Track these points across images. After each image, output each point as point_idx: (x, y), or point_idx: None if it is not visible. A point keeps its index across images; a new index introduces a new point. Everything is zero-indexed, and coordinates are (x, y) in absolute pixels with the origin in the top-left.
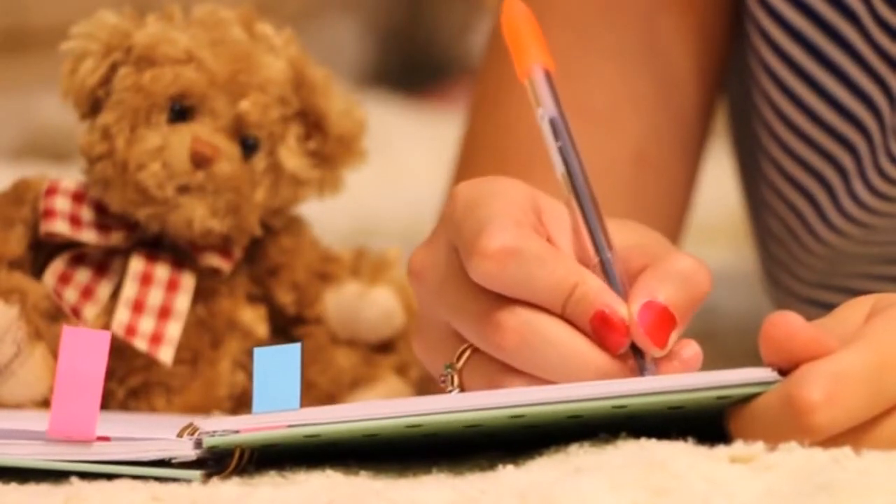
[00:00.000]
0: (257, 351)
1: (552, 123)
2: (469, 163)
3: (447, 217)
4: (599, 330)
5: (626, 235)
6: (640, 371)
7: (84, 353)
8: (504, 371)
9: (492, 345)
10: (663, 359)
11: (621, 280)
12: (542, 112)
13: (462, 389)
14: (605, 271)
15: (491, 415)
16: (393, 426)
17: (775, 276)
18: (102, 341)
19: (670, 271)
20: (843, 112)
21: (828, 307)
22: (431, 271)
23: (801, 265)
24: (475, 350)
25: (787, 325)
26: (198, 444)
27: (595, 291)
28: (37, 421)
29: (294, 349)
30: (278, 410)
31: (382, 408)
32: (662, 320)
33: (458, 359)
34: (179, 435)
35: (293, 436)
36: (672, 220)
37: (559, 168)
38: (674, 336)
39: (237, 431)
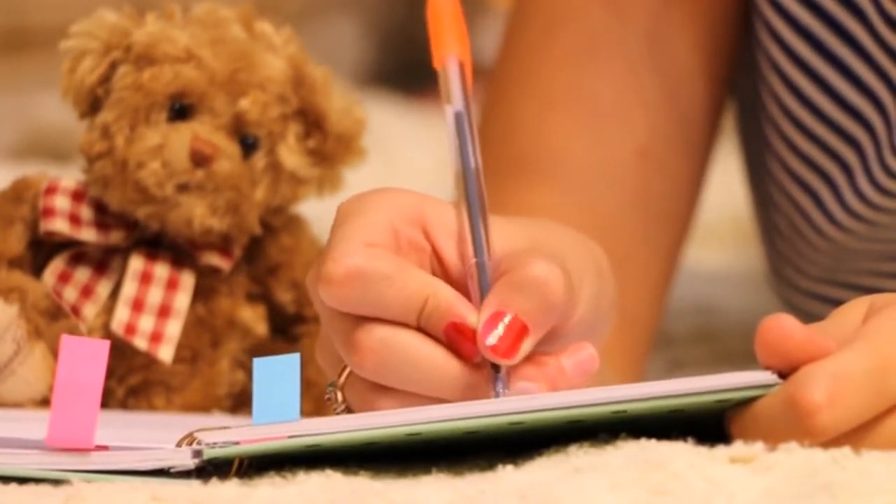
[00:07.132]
0: (257, 361)
1: (457, 118)
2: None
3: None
4: (453, 341)
5: (530, 236)
6: (493, 381)
7: (83, 362)
8: (373, 389)
9: (354, 365)
10: (531, 364)
11: (492, 285)
12: (448, 107)
13: (346, 406)
14: (480, 275)
15: (490, 422)
16: (393, 435)
17: (780, 272)
18: (101, 350)
19: (522, 279)
20: (848, 109)
21: (833, 302)
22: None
23: (806, 261)
24: None
25: (782, 327)
26: (196, 453)
27: (447, 302)
28: (35, 424)
29: (293, 359)
30: (278, 422)
31: (382, 418)
32: (510, 330)
33: (340, 376)
34: (178, 445)
35: (293, 446)
36: (676, 215)
37: (454, 165)
38: (527, 344)
39: (237, 443)
